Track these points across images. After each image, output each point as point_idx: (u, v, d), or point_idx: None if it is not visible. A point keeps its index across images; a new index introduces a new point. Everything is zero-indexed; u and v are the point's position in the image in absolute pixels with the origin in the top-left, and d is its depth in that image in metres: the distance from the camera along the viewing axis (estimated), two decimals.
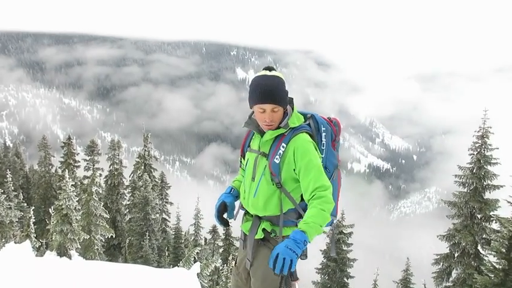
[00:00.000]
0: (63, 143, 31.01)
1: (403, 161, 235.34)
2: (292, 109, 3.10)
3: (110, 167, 30.27)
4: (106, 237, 23.45)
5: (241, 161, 3.41)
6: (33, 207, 22.94)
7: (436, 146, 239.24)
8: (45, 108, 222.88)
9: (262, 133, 3.09)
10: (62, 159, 30.56)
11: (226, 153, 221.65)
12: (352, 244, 22.02)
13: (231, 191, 3.38)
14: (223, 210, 3.31)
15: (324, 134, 3.17)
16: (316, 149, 3.02)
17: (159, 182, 31.67)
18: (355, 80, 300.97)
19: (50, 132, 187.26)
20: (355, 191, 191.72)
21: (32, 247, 16.76)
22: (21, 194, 28.64)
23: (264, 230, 3.14)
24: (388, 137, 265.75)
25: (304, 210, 3.12)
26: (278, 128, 3.02)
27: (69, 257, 15.85)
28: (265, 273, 3.10)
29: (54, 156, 33.20)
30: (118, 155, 30.39)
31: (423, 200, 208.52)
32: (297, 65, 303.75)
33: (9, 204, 21.93)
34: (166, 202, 31.51)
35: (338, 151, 3.37)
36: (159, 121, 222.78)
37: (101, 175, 29.12)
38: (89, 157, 30.06)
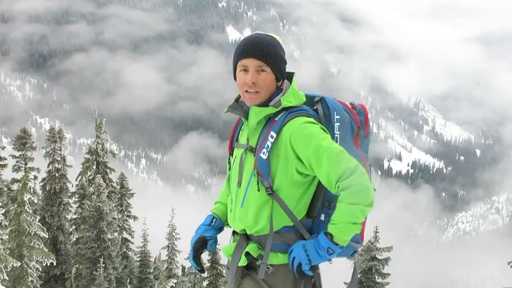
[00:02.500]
0: None
1: (462, 158, 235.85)
2: (290, 82, 3.14)
3: (48, 166, 30.23)
4: (44, 264, 23.51)
5: (229, 161, 3.43)
6: None
7: (509, 136, 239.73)
8: None
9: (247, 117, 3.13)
10: None
11: (212, 147, 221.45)
12: (389, 275, 22.20)
13: (212, 221, 3.40)
14: (202, 247, 3.33)
15: (337, 124, 3.10)
16: (323, 130, 2.99)
17: (118, 187, 31.71)
18: (394, 44, 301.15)
19: None
20: (394, 200, 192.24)
21: None
22: None
23: (247, 254, 3.14)
24: (440, 123, 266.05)
25: (310, 230, 3.12)
26: (265, 106, 3.02)
27: None
28: None
29: None
30: (60, 150, 30.37)
31: (489, 212, 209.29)
32: (313, 22, 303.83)
33: None
34: (128, 216, 31.56)
35: (366, 150, 3.38)
36: (117, 102, 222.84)
37: (36, 178, 29.11)
38: (20, 152, 30.00)
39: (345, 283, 22.89)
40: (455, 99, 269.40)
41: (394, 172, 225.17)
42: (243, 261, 3.14)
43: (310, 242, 2.84)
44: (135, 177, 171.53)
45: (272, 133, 2.94)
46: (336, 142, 3.04)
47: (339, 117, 3.13)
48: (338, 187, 2.85)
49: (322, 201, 3.14)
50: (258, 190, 3.04)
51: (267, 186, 3.00)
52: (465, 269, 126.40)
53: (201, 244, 3.29)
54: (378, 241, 22.43)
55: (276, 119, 2.98)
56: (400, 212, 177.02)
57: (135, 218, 31.42)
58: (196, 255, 3.31)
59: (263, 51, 2.91)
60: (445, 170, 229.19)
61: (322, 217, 3.12)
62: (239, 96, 3.16)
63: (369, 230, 23.25)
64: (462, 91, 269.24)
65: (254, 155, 3.03)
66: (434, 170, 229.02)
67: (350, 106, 3.29)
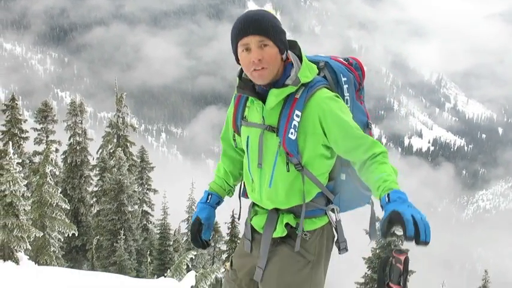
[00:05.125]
0: (5, 105, 31.21)
1: (484, 136, 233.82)
2: (300, 58, 3.07)
3: (69, 139, 30.48)
4: (66, 235, 23.79)
5: (234, 139, 3.43)
6: None
7: None
8: None
9: (263, 98, 3.06)
10: (4, 128, 30.79)
11: None
12: (408, 251, 22.21)
13: (207, 198, 3.44)
14: (199, 229, 3.37)
15: (345, 87, 3.18)
16: (341, 100, 3.07)
17: (139, 161, 31.91)
18: (417, 20, 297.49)
19: None
20: (415, 177, 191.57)
21: None
22: None
23: (287, 225, 3.19)
24: (462, 100, 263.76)
25: (333, 192, 3.22)
26: (283, 85, 2.98)
27: (16, 262, 16.23)
28: (289, 280, 3.16)
29: None
30: (81, 123, 30.57)
31: (510, 191, 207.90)
32: None
33: None
34: (148, 189, 31.80)
35: (364, 102, 3.42)
36: (137, 76, 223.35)
37: (57, 150, 29.39)
38: (41, 125, 30.24)
39: (363, 258, 23.04)
40: (477, 77, 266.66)
41: (414, 149, 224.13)
42: (281, 232, 3.20)
43: (407, 202, 2.72)
44: (155, 151, 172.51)
45: (297, 112, 2.94)
46: (347, 104, 3.16)
47: (345, 79, 3.18)
48: (372, 154, 2.92)
49: (340, 162, 3.22)
50: (288, 170, 3.08)
51: (296, 163, 3.06)
52: (484, 246, 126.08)
53: (197, 226, 3.34)
54: None
55: (297, 96, 2.97)
56: (420, 189, 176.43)
57: (155, 191, 31.61)
58: (194, 238, 3.36)
59: (262, 26, 2.88)
60: (466, 148, 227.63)
61: (343, 176, 3.23)
62: (241, 72, 3.13)
63: None
64: (485, 68, 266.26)
65: (277, 135, 3.03)
66: (455, 148, 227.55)
67: (347, 63, 3.30)
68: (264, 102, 3.04)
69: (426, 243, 2.51)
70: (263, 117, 3.07)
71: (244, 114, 3.22)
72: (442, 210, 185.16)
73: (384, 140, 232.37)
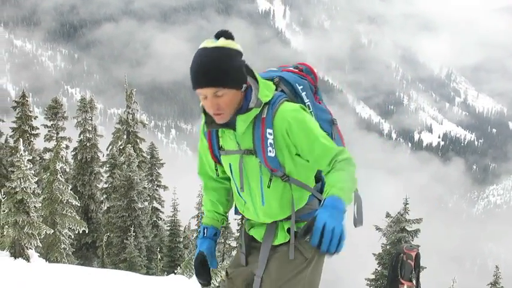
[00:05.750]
0: (16, 102, 31.35)
1: (494, 130, 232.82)
2: (256, 80, 3.06)
3: (79, 136, 30.56)
4: (76, 232, 23.89)
5: (216, 169, 3.42)
6: None
7: None
8: None
9: (232, 125, 3.06)
10: (15, 125, 30.94)
11: None
12: (418, 246, 22.13)
13: (204, 233, 3.49)
14: (203, 263, 3.42)
15: (304, 94, 3.21)
16: (306, 110, 3.08)
17: (148, 157, 31.97)
18: (427, 14, 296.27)
19: None
20: (425, 172, 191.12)
21: None
22: None
23: (288, 230, 3.27)
24: (472, 95, 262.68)
25: (322, 191, 3.26)
26: (247, 109, 2.99)
27: (27, 259, 16.30)
28: (286, 276, 3.20)
29: (3, 121, 33.64)
30: (91, 120, 30.64)
31: None
32: None
33: None
34: (158, 186, 31.86)
35: (323, 101, 3.41)
36: (147, 72, 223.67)
37: (67, 147, 29.46)
38: (51, 122, 30.34)
39: (373, 254, 23.00)
40: (488, 71, 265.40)
41: (424, 144, 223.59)
42: (283, 238, 3.27)
43: (332, 209, 2.60)
44: (165, 148, 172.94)
45: (269, 130, 2.98)
46: (310, 109, 3.19)
47: (301, 87, 3.21)
48: (333, 163, 2.96)
49: None
50: (276, 185, 3.15)
51: (282, 175, 3.12)
52: (495, 241, 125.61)
53: (200, 260, 3.40)
54: (407, 213, 22.35)
55: (264, 116, 3.00)
56: (431, 184, 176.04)
57: (165, 187, 31.68)
58: (199, 272, 3.41)
59: (214, 78, 2.83)
60: (476, 143, 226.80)
61: None
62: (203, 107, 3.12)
63: (398, 202, 23.21)
64: (495, 62, 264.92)
65: (256, 156, 3.08)
66: (466, 143, 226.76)
67: (299, 71, 3.32)
68: (234, 129, 3.06)
69: (329, 253, 2.49)
70: (238, 143, 3.11)
71: (220, 144, 3.25)
72: (453, 206, 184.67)
73: (393, 135, 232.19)
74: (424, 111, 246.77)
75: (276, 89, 3.12)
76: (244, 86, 2.95)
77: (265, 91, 2.99)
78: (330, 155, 2.97)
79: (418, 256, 3.34)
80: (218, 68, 2.82)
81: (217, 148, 3.26)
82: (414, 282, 3.31)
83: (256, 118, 3.02)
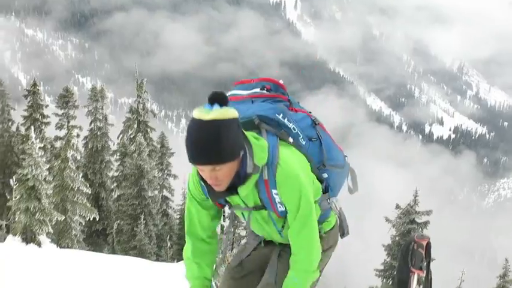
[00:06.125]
0: (27, 90, 31.50)
1: (506, 124, 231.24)
2: (248, 141, 2.96)
3: (90, 124, 30.71)
4: (87, 219, 24.08)
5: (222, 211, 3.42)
6: None
7: None
8: (0, 43, 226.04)
9: (233, 190, 3.04)
10: (26, 113, 31.09)
11: None
12: (429, 237, 22.16)
13: None
14: None
15: (284, 120, 3.13)
16: (307, 178, 3.08)
17: (158, 146, 32.08)
18: (439, 6, 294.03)
19: (9, 76, 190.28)
20: (435, 164, 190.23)
21: None
22: None
23: None
24: (484, 88, 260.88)
25: (325, 191, 3.33)
26: (245, 175, 2.96)
27: (39, 244, 16.46)
28: None
29: (14, 109, 33.78)
30: (101, 109, 30.78)
31: None
32: None
33: None
34: (168, 175, 31.99)
35: (298, 104, 3.40)
36: (157, 61, 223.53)
37: (78, 136, 29.61)
38: (62, 111, 30.47)
39: (383, 245, 23.04)
40: (500, 64, 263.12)
41: (435, 137, 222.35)
42: None
43: None
44: (175, 137, 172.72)
45: (274, 191, 3.00)
46: (292, 125, 3.13)
47: (280, 115, 3.13)
48: (295, 246, 3.12)
49: (317, 168, 3.25)
50: (285, 225, 3.22)
51: None
52: (505, 234, 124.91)
53: None
54: (417, 205, 22.37)
55: (265, 178, 2.98)
56: (441, 177, 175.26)
57: (175, 176, 31.79)
58: None
59: (211, 156, 2.77)
60: (487, 136, 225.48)
61: (325, 175, 3.29)
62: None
63: (408, 194, 23.21)
64: (508, 55, 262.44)
65: (266, 210, 3.13)
66: (477, 136, 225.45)
67: (269, 94, 3.25)
68: (236, 193, 3.04)
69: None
70: (243, 201, 3.12)
71: (226, 199, 3.23)
72: (463, 199, 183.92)
73: (404, 128, 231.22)
74: (435, 104, 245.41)
75: (260, 131, 3.06)
76: (242, 153, 2.90)
77: (260, 153, 2.94)
78: (304, 252, 3.11)
79: (429, 245, 3.37)
80: (215, 146, 2.74)
81: (224, 202, 3.24)
82: (424, 271, 3.34)
83: (257, 181, 3.00)
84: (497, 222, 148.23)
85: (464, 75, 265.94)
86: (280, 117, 3.10)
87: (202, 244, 3.31)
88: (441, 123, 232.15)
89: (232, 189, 2.97)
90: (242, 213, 3.31)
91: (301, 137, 3.13)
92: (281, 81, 3.29)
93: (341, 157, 3.38)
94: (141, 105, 31.35)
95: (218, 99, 2.79)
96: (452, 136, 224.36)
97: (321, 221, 3.30)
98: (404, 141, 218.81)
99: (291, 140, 3.09)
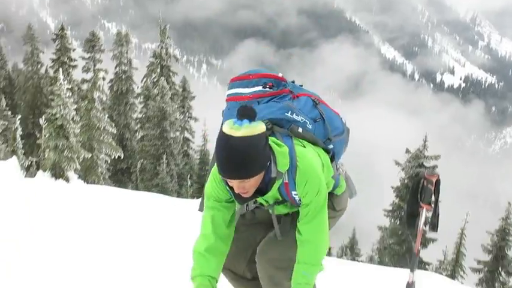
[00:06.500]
0: (55, 34, 31.46)
1: None
2: (271, 148, 2.94)
3: (115, 68, 30.72)
4: (112, 157, 24.31)
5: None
6: (19, 117, 23.87)
7: None
8: None
9: (259, 194, 3.05)
10: (54, 56, 31.13)
11: (267, 54, 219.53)
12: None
13: None
14: None
15: (293, 116, 3.11)
16: (322, 172, 3.08)
17: (180, 90, 32.03)
18: None
19: (38, 20, 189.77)
20: (445, 112, 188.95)
21: (20, 165, 17.71)
22: (3, 99, 29.65)
23: None
24: (496, 39, 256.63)
25: (332, 158, 3.32)
26: (270, 180, 2.97)
27: (67, 180, 16.69)
28: None
29: (43, 52, 33.80)
30: (126, 53, 30.71)
31: None
32: None
33: None
34: (189, 117, 32.04)
35: (299, 87, 3.33)
36: (181, 8, 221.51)
37: (104, 78, 29.68)
38: (89, 54, 30.47)
39: (392, 187, 23.10)
40: None
41: (446, 86, 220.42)
42: None
43: None
44: (196, 82, 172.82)
45: (293, 192, 3.01)
46: (303, 120, 3.13)
47: (289, 112, 3.10)
48: (303, 238, 3.10)
49: (324, 143, 3.24)
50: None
51: None
52: (509, 180, 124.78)
53: None
54: (426, 149, 22.33)
55: (286, 181, 2.99)
56: (451, 124, 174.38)
57: (195, 119, 31.84)
58: None
59: (241, 172, 2.77)
60: (496, 86, 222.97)
61: (331, 146, 3.28)
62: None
63: (418, 140, 23.14)
64: None
65: (286, 201, 3.14)
66: (486, 85, 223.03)
67: (273, 92, 3.18)
68: (260, 194, 3.04)
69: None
70: (265, 200, 3.11)
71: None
72: (470, 145, 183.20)
73: (416, 76, 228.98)
74: (447, 54, 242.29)
75: (273, 132, 3.04)
76: (268, 163, 2.90)
77: (283, 160, 2.93)
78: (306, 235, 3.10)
79: (438, 182, 3.37)
80: (245, 163, 2.75)
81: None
82: (433, 206, 3.35)
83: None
84: (502, 168, 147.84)
85: (476, 26, 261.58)
86: (289, 114, 3.10)
87: (218, 242, 3.18)
88: (452, 72, 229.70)
89: (257, 192, 2.97)
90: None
91: (307, 123, 3.14)
92: (280, 75, 3.22)
93: (340, 124, 3.37)
94: (164, 50, 31.23)
95: (247, 114, 2.75)
96: (463, 85, 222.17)
97: (334, 187, 3.32)
98: (416, 89, 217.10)
99: (300, 129, 3.09)
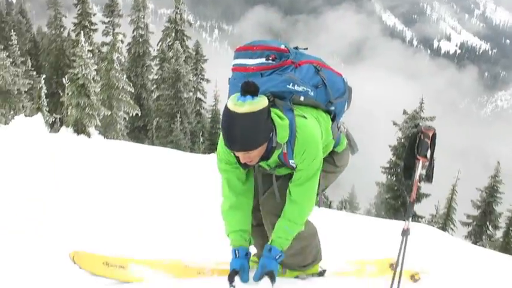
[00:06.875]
0: (77, 0, 31.27)
1: (508, 41, 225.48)
2: (273, 121, 2.91)
3: (133, 32, 30.56)
4: (130, 115, 24.40)
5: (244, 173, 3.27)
6: (43, 77, 23.85)
7: None
8: None
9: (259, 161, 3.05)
10: (76, 21, 31.00)
11: (276, 20, 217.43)
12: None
13: (235, 255, 3.22)
14: (234, 277, 3.16)
15: (296, 87, 3.05)
16: (320, 141, 3.05)
17: (194, 53, 31.90)
18: None
19: None
20: (441, 77, 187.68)
21: (45, 122, 17.79)
22: (29, 60, 29.62)
23: None
24: (491, 8, 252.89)
25: (333, 119, 3.26)
26: (270, 149, 2.96)
27: (88, 135, 16.78)
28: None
29: (65, 17, 33.61)
30: (143, 18, 30.51)
31: None
32: None
33: (16, 71, 22.82)
34: (201, 79, 31.98)
35: (301, 53, 3.23)
36: None
37: (122, 42, 29.57)
38: (108, 19, 30.32)
39: (389, 146, 23.10)
40: None
41: (442, 52, 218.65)
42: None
43: (268, 260, 3.09)
44: (208, 46, 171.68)
45: (291, 161, 3.01)
46: (305, 89, 3.07)
47: (291, 84, 3.04)
48: (294, 199, 3.09)
49: (325, 104, 3.20)
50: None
51: None
52: (500, 141, 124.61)
53: (233, 275, 3.15)
54: (422, 111, 22.25)
55: (284, 151, 2.99)
56: (446, 88, 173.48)
57: (208, 81, 31.80)
58: (230, 279, 3.17)
59: (245, 146, 2.78)
60: (490, 52, 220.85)
61: (332, 108, 3.22)
62: None
63: (415, 103, 23.02)
64: None
65: (286, 166, 3.13)
66: (480, 52, 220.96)
67: (275, 64, 3.09)
68: (262, 161, 3.04)
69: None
70: (267, 164, 3.12)
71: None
72: (464, 108, 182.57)
73: (415, 42, 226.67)
74: (444, 21, 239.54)
75: (274, 103, 2.98)
76: (270, 135, 2.90)
77: (283, 133, 2.92)
78: (301, 201, 3.09)
79: (434, 136, 3.36)
80: (249, 137, 2.77)
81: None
82: (428, 158, 3.35)
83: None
84: (492, 129, 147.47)
85: None
86: (290, 86, 3.04)
87: (239, 199, 3.21)
88: (449, 39, 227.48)
89: (260, 159, 2.98)
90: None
91: (309, 91, 3.09)
92: (282, 46, 3.10)
93: (342, 85, 3.28)
94: (179, 15, 31.04)
95: (250, 90, 2.73)
96: (458, 51, 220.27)
97: (335, 146, 3.28)
98: (414, 55, 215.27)
99: (302, 98, 3.04)
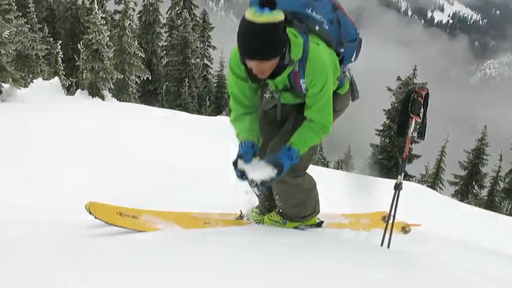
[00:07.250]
0: None
1: (498, 12, 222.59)
2: (288, 38, 2.82)
3: (143, 1, 30.21)
4: (141, 79, 24.32)
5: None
6: (60, 43, 23.71)
7: None
8: None
9: (271, 77, 2.95)
10: None
11: None
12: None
13: (242, 145, 3.12)
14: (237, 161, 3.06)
15: (313, 14, 2.99)
16: (330, 67, 2.96)
17: (201, 21, 31.63)
18: None
19: None
20: (433, 45, 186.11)
21: (62, 85, 17.74)
22: (46, 27, 29.40)
23: None
24: None
25: (341, 61, 3.20)
26: (282, 67, 2.86)
27: (102, 98, 16.73)
28: None
29: None
30: None
31: None
32: None
33: (34, 37, 22.66)
34: (208, 46, 31.77)
35: None
36: None
37: (134, 10, 29.27)
38: None
39: (383, 110, 23.04)
40: None
41: (435, 22, 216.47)
42: None
43: (283, 156, 2.97)
44: (214, 14, 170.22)
45: (302, 80, 2.95)
46: (321, 19, 3.03)
47: (309, 9, 2.99)
48: (311, 119, 3.04)
49: (336, 44, 3.13)
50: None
51: None
52: (487, 108, 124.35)
53: (237, 162, 3.03)
54: (415, 78, 22.16)
55: (296, 69, 2.93)
56: (437, 57, 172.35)
57: (214, 47, 31.63)
58: (235, 165, 3.04)
59: (261, 54, 2.71)
60: (480, 22, 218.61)
61: (342, 50, 3.17)
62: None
63: (408, 70, 22.88)
64: None
65: (293, 90, 3.06)
66: (472, 22, 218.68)
67: None
68: (271, 77, 2.94)
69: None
70: (275, 84, 3.05)
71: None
72: (454, 75, 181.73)
73: (409, 12, 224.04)
74: None
75: (291, 23, 2.89)
76: (284, 50, 2.81)
77: (296, 50, 2.85)
78: (317, 116, 3.03)
79: (427, 95, 3.36)
80: (265, 47, 2.69)
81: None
82: (421, 116, 3.36)
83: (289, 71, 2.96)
84: (481, 96, 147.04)
85: None
86: (309, 11, 3.00)
87: (246, 109, 3.17)
88: (442, 9, 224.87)
89: (269, 76, 2.91)
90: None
91: (325, 23, 3.03)
92: None
93: (354, 31, 3.24)
94: None
95: (268, 3, 2.66)
96: (450, 21, 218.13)
97: (338, 88, 3.23)
98: (409, 24, 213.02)
99: (317, 27, 2.97)
